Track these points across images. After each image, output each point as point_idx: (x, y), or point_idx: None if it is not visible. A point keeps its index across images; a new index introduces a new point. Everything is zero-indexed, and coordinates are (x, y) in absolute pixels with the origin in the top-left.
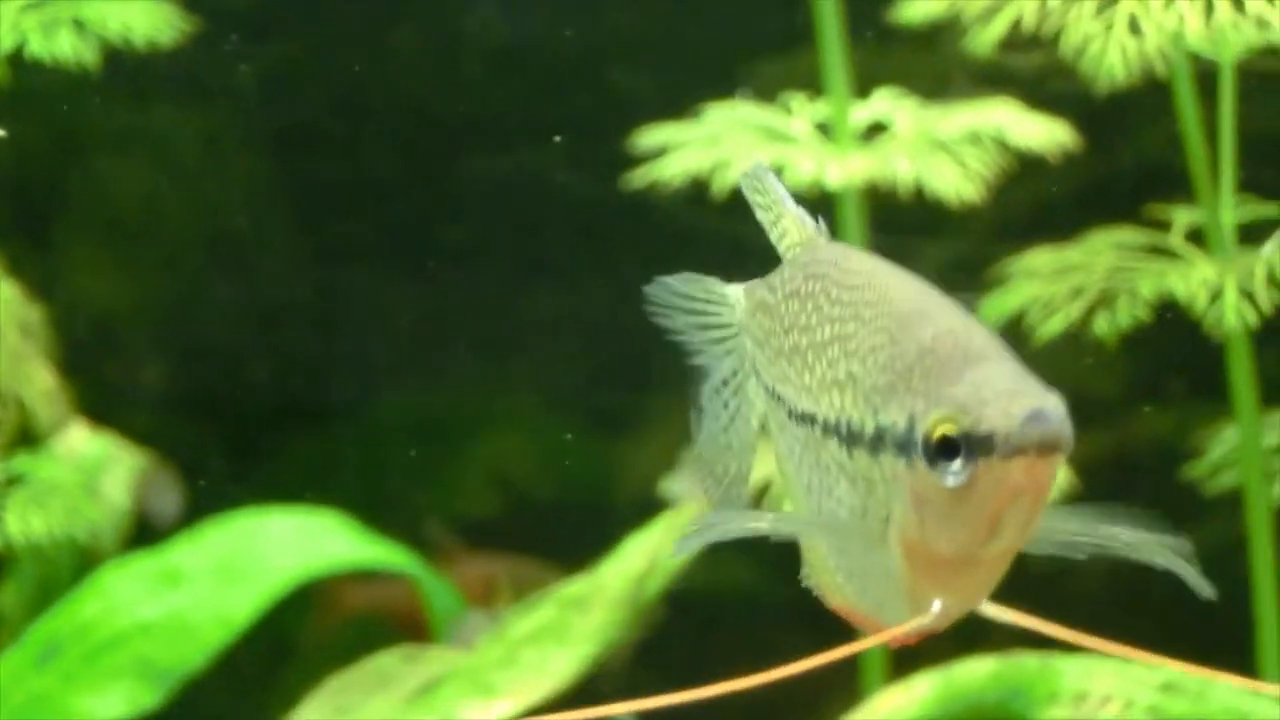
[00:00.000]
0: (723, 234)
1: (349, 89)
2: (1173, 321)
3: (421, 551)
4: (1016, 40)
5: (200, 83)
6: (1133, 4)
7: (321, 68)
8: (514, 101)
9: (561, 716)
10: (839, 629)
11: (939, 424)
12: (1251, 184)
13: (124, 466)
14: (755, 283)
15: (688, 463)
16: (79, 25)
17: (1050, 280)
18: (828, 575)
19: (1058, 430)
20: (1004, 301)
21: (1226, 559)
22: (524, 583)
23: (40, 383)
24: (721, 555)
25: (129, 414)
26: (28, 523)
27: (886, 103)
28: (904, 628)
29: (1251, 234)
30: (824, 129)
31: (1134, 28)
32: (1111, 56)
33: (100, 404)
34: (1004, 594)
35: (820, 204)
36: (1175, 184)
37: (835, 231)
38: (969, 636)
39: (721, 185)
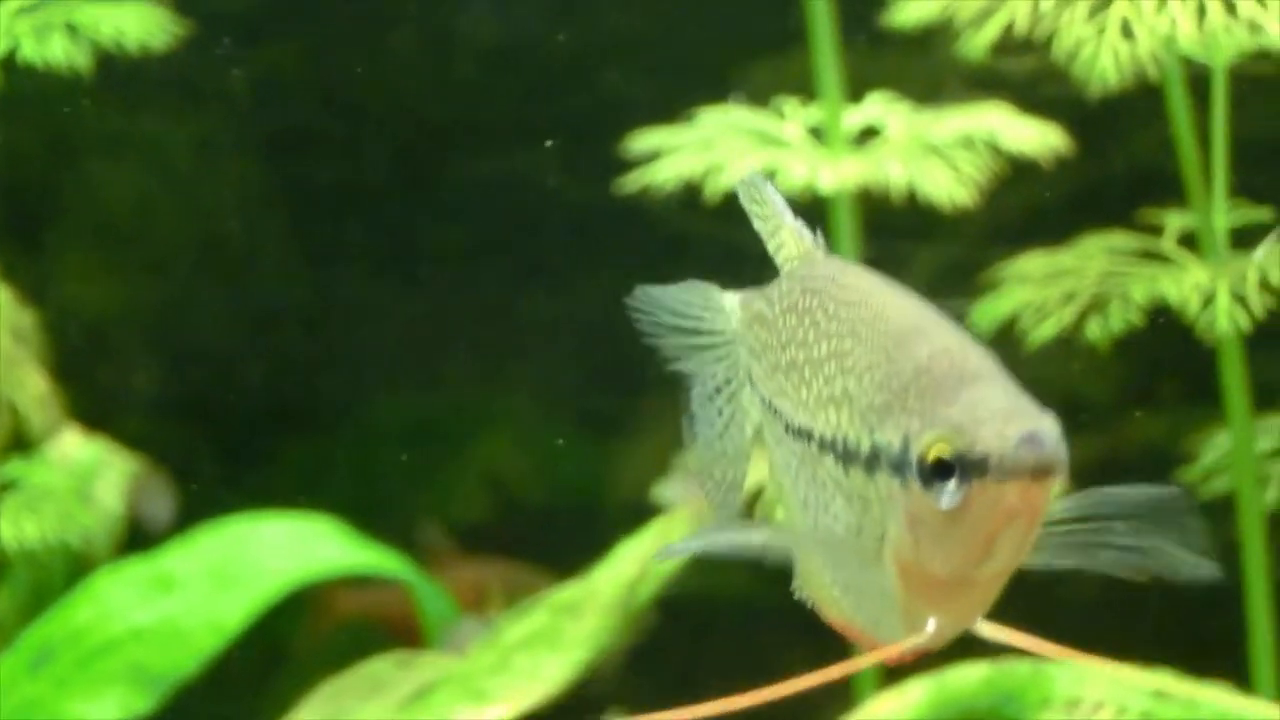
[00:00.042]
0: (715, 238)
1: (342, 92)
2: (1165, 326)
3: (414, 557)
4: (1009, 44)
5: (193, 87)
6: (1125, 8)
7: (314, 71)
8: (507, 105)
9: None
10: (832, 635)
11: (934, 445)
12: (1244, 188)
13: (117, 472)
14: (751, 293)
15: (681, 468)
16: (72, 29)
17: (1043, 285)
18: (823, 590)
19: (1053, 453)
20: (996, 306)
21: (1218, 563)
22: (517, 588)
23: (33, 388)
24: (714, 560)
25: (122, 419)
26: (21, 528)
27: (879, 107)
28: (898, 646)
29: (1244, 238)
30: (817, 133)
31: (1126, 31)
32: (1104, 60)
33: (93, 409)
34: (998, 601)
35: (813, 208)
36: (1168, 188)
37: (828, 236)
38: (962, 642)
39: (714, 189)
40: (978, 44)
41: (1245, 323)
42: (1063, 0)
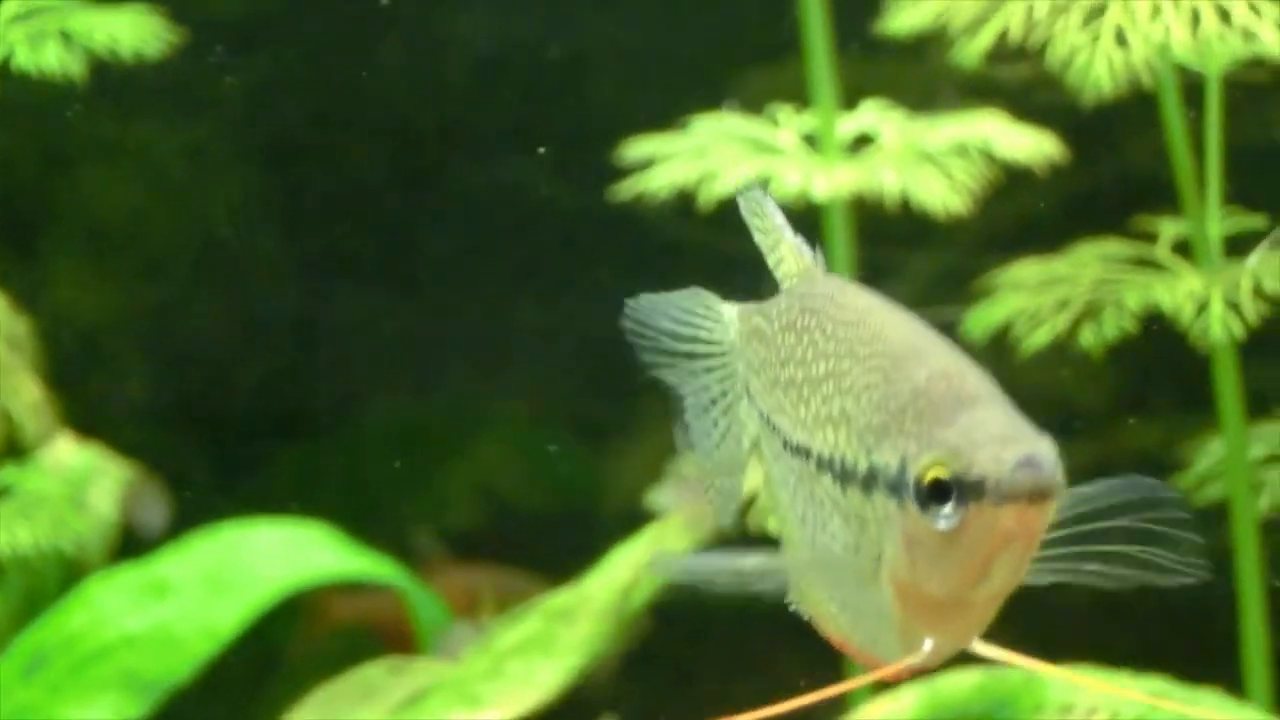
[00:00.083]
0: (709, 245)
1: (334, 100)
2: (1159, 333)
3: (408, 563)
4: (1003, 52)
5: (187, 94)
6: (1119, 15)
7: (307, 79)
8: (500, 113)
9: None
10: (825, 642)
11: (931, 467)
12: (1238, 196)
13: (110, 478)
14: (750, 306)
15: (674, 474)
16: (66, 37)
17: (1036, 292)
18: (820, 606)
19: (1049, 477)
20: (990, 313)
21: (1212, 571)
22: (510, 594)
23: (27, 395)
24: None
25: (116, 426)
26: (14, 534)
27: (873, 114)
28: (895, 667)
29: (1238, 246)
30: (811, 140)
31: (1120, 39)
32: (1098, 68)
33: (87, 416)
34: None
35: (807, 216)
36: (1161, 196)
37: (822, 243)
38: None
39: (708, 197)
40: (972, 52)
41: (1239, 330)
42: (1057, 8)
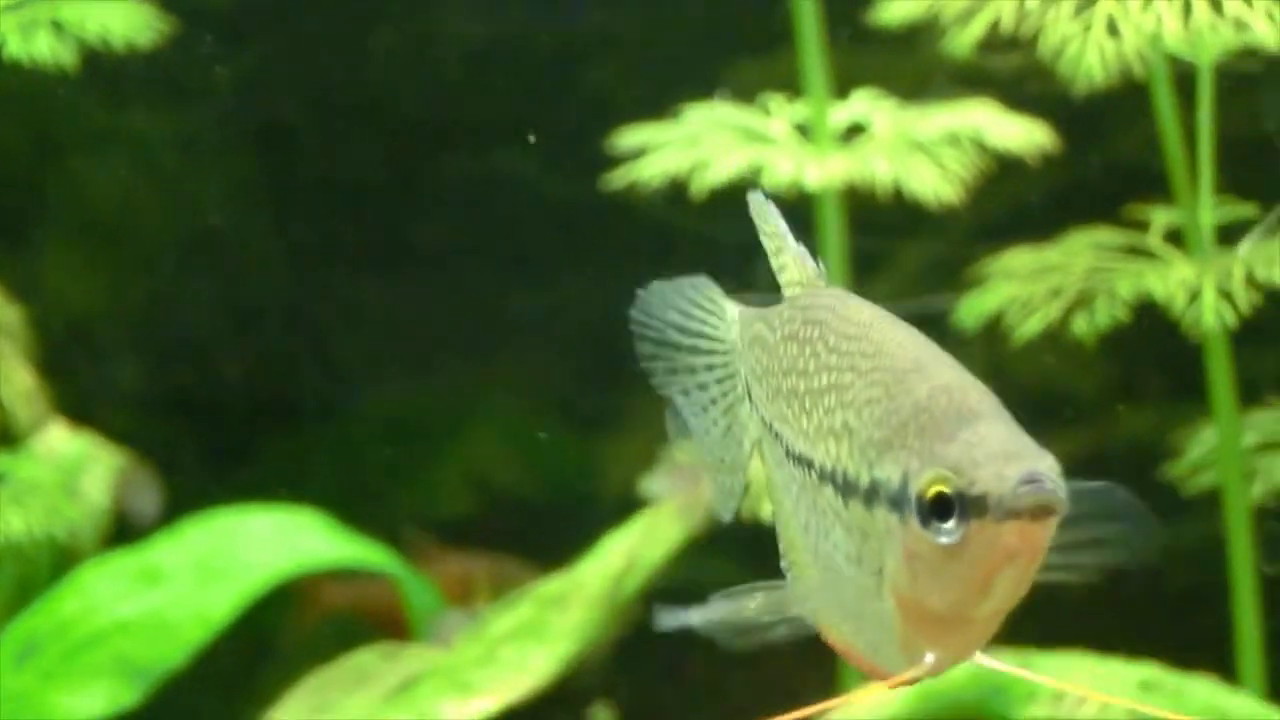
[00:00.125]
0: (701, 234)
1: (325, 90)
2: (1151, 322)
3: (400, 550)
4: (995, 41)
5: (178, 83)
6: (1111, 5)
7: (298, 69)
8: (492, 102)
9: None
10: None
11: (933, 483)
12: (1230, 184)
13: (103, 466)
14: (752, 311)
15: (666, 462)
16: (57, 26)
17: (1029, 281)
18: (824, 613)
19: (1052, 493)
20: (982, 302)
21: (1205, 558)
22: (502, 581)
23: (19, 383)
24: (701, 552)
25: (108, 413)
26: (7, 522)
27: (865, 104)
28: (897, 679)
29: (1230, 234)
30: (803, 130)
31: (1112, 29)
32: (1090, 58)
33: (79, 404)
34: None
35: (799, 205)
36: (1153, 185)
37: (814, 232)
38: None
39: (700, 186)
40: (963, 41)
41: (1231, 318)
42: None
